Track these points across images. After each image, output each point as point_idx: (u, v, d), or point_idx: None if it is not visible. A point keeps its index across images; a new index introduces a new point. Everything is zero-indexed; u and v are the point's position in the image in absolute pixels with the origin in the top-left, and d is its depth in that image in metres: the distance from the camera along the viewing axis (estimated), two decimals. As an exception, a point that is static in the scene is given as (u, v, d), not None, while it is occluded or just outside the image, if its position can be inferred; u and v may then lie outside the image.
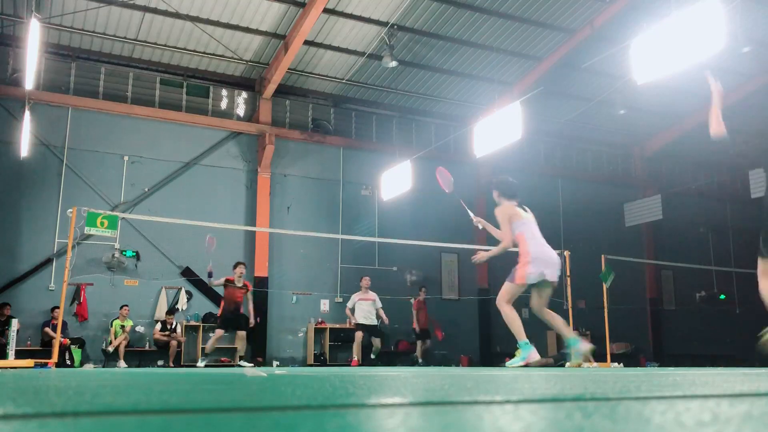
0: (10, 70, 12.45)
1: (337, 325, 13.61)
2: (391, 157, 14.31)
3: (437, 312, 14.64)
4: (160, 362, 12.12)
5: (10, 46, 12.39)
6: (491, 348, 15.13)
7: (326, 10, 12.02)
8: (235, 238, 13.39)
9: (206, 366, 10.20)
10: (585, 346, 5.74)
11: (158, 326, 12.07)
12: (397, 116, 15.76)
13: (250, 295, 10.47)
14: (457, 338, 14.57)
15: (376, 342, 11.65)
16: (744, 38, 11.87)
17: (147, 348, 12.29)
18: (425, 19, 12.83)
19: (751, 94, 15.14)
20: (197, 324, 12.71)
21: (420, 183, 13.51)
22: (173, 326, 12.03)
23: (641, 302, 17.46)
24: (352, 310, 11.65)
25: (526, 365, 5.53)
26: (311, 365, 12.93)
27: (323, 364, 12.94)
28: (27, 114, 11.38)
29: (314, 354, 13.40)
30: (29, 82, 10.16)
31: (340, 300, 13.89)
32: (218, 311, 10.81)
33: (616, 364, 11.45)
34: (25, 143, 11.39)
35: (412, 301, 13.05)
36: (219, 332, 10.26)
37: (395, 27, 12.72)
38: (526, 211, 6.04)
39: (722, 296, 18.19)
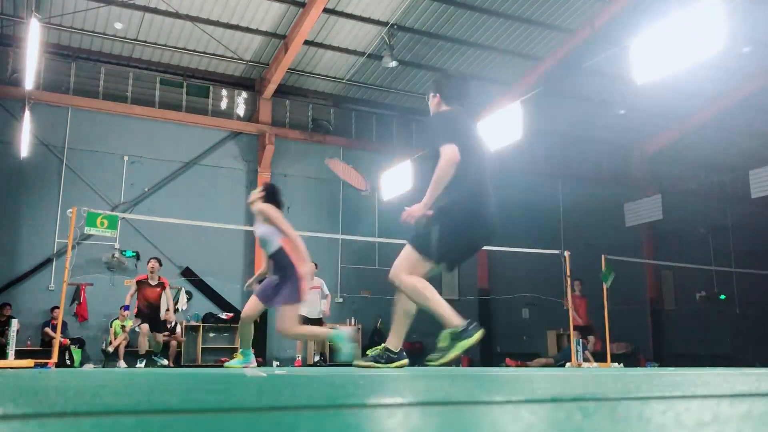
0: (10, 70, 12.45)
1: (337, 325, 13.61)
2: (391, 157, 14.31)
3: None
4: (160, 362, 12.12)
5: (10, 46, 12.39)
6: (491, 348, 15.12)
7: (326, 10, 12.02)
8: (235, 238, 13.39)
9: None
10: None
11: (158, 326, 12.05)
12: (397, 116, 15.76)
13: (168, 292, 10.22)
14: (457, 338, 14.57)
15: None
16: (744, 38, 11.87)
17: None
18: (425, 19, 12.82)
19: (751, 94, 15.14)
20: (197, 324, 12.74)
21: (420, 183, 13.49)
22: (173, 326, 12.01)
23: (641, 302, 17.46)
24: None
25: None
26: (311, 365, 12.92)
27: (323, 364, 12.93)
28: (27, 114, 11.39)
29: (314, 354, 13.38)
30: (29, 82, 10.17)
31: (340, 300, 13.89)
32: (134, 309, 10.06)
33: (616, 364, 11.44)
34: (25, 143, 11.39)
35: (562, 300, 11.93)
36: (144, 327, 9.76)
37: (395, 27, 12.72)
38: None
39: (722, 296, 18.20)
